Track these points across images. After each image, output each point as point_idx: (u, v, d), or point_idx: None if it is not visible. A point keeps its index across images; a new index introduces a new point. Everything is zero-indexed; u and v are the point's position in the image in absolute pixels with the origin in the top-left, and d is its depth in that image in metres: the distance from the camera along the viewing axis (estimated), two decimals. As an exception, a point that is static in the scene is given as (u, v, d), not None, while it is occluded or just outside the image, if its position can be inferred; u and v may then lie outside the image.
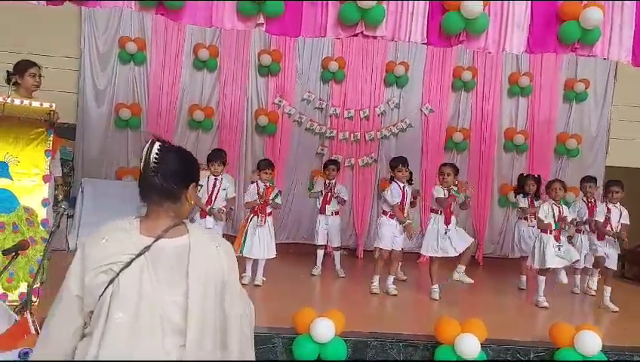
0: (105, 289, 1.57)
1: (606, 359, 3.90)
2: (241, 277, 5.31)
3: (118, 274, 1.57)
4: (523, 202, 6.31)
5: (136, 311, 1.56)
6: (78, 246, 1.70)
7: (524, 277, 6.24)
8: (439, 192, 5.46)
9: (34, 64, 4.55)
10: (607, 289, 5.51)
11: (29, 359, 1.71)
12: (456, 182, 5.53)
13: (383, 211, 5.67)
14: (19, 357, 2.46)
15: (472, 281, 5.43)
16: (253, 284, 5.38)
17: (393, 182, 5.66)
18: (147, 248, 1.62)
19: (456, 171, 5.61)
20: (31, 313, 2.81)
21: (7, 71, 4.43)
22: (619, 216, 5.58)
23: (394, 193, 5.53)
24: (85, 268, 1.61)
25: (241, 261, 5.50)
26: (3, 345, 2.52)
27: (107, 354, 1.54)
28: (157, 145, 1.71)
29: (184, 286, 1.62)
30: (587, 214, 5.89)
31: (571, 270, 5.97)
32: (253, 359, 1.81)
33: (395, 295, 5.41)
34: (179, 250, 1.66)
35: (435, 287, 5.45)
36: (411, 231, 5.57)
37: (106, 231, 1.67)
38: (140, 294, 1.57)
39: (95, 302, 1.59)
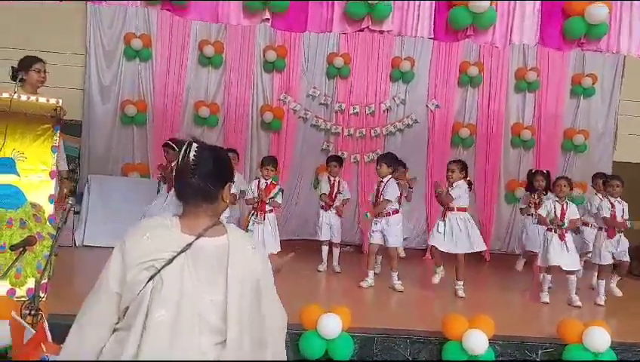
0: (145, 285, 1.57)
1: (615, 355, 3.87)
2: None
3: (159, 271, 1.57)
4: (524, 200, 6.28)
5: (177, 309, 1.55)
6: (117, 243, 1.68)
7: (523, 259, 6.29)
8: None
9: (39, 60, 4.54)
10: (602, 284, 5.47)
11: (61, 356, 1.67)
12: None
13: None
14: None
15: (464, 297, 5.31)
16: None
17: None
18: (189, 246, 1.62)
19: (463, 167, 5.55)
20: (39, 309, 2.81)
21: (12, 67, 4.42)
22: (622, 210, 5.53)
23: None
24: (126, 264, 1.60)
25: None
26: (22, 356, 2.50)
27: (148, 352, 1.52)
28: (194, 146, 1.71)
29: (223, 285, 1.62)
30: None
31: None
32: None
33: (402, 291, 5.40)
34: (219, 249, 1.67)
35: (440, 269, 5.43)
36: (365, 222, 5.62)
37: (148, 228, 1.68)
38: (181, 292, 1.57)
39: (133, 299, 1.58)
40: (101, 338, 1.61)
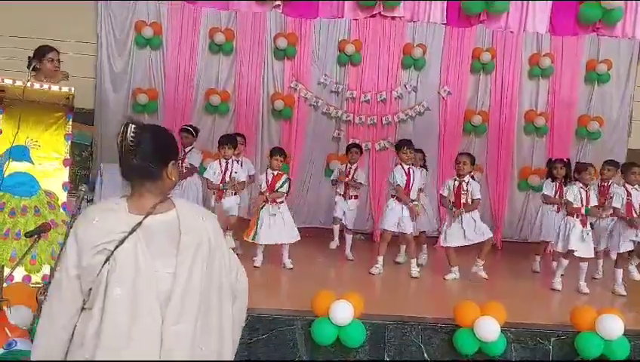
0: (102, 267, 1.63)
1: (628, 343, 3.85)
2: (252, 261, 5.42)
3: (113, 252, 1.63)
4: (549, 188, 6.20)
5: (133, 286, 1.63)
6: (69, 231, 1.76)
7: (538, 258, 6.19)
8: (444, 190, 5.56)
9: (52, 49, 4.55)
10: (620, 272, 5.40)
11: (35, 343, 1.74)
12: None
13: (391, 194, 5.76)
14: (5, 349, 2.45)
15: (487, 278, 5.42)
16: (284, 268, 5.44)
17: (398, 165, 5.70)
18: (138, 225, 1.68)
19: (473, 161, 5.61)
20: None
21: (29, 56, 4.44)
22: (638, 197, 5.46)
23: (396, 175, 5.60)
24: (80, 249, 1.67)
25: (253, 246, 5.53)
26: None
27: (108, 328, 1.60)
28: (132, 127, 1.73)
29: (176, 257, 1.69)
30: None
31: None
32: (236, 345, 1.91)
33: (417, 277, 5.41)
34: (169, 224, 1.73)
35: (455, 268, 5.47)
36: (414, 213, 5.58)
37: (95, 213, 1.73)
38: (136, 270, 1.64)
39: (93, 280, 1.64)
40: (70, 316, 1.68)
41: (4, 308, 2.77)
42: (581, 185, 5.39)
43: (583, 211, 5.27)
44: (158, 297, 1.65)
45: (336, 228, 6.35)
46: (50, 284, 1.74)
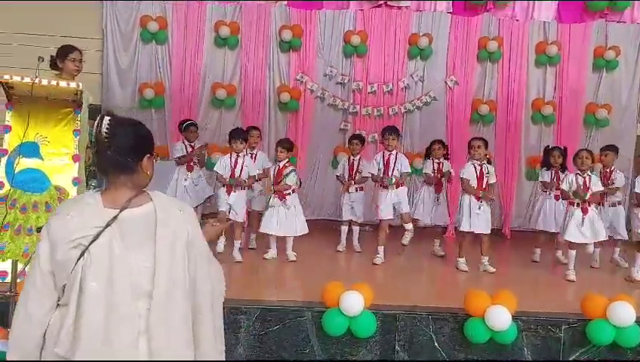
0: (77, 262, 1.61)
1: (640, 330, 3.84)
2: (265, 253, 5.45)
3: (87, 247, 1.61)
4: (545, 176, 6.19)
5: (108, 279, 1.61)
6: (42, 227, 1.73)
7: (538, 250, 6.18)
8: (464, 173, 5.48)
9: (75, 49, 4.53)
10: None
11: (10, 341, 1.72)
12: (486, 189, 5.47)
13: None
14: None
15: (495, 270, 5.40)
16: (287, 261, 5.45)
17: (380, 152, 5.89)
18: (114, 219, 1.66)
19: (486, 144, 5.60)
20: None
21: (52, 55, 4.45)
22: None
23: (373, 163, 5.80)
24: (54, 245, 1.64)
25: (266, 237, 5.56)
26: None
27: (84, 322, 1.58)
28: (106, 119, 1.71)
29: (153, 250, 1.67)
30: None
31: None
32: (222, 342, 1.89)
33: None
34: (145, 217, 1.70)
35: (462, 259, 5.48)
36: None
37: (69, 207, 1.71)
38: (111, 263, 1.62)
39: (68, 276, 1.62)
40: (45, 312, 1.66)
41: None
42: (577, 171, 5.35)
43: (581, 195, 5.20)
44: (134, 291, 1.63)
45: (344, 229, 6.25)
46: (25, 281, 1.71)
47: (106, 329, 1.58)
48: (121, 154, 1.71)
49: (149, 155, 1.78)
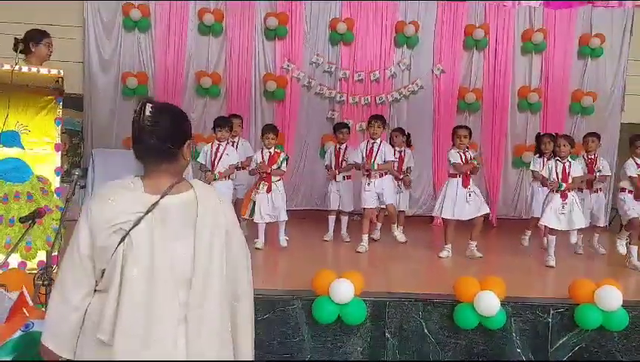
0: (116, 247, 1.60)
1: (627, 314, 3.87)
2: (254, 242, 5.41)
3: (128, 233, 1.60)
4: (537, 164, 6.20)
5: (150, 266, 1.60)
6: (82, 208, 1.69)
7: (528, 232, 6.24)
8: (454, 157, 5.41)
9: (48, 34, 4.43)
10: (634, 249, 5.39)
11: (46, 324, 1.71)
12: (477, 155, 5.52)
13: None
14: (23, 330, 2.43)
15: (482, 256, 5.42)
16: (280, 246, 5.48)
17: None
18: (154, 205, 1.64)
19: (470, 133, 5.58)
20: (52, 279, 2.81)
21: (16, 38, 4.30)
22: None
23: (358, 151, 5.82)
24: (94, 229, 1.62)
25: (255, 225, 5.52)
26: (9, 329, 2.48)
27: (125, 309, 1.57)
28: (149, 106, 1.69)
29: (192, 238, 1.66)
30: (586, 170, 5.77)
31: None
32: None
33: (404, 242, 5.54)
34: (186, 204, 1.70)
35: (448, 246, 5.48)
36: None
37: (111, 192, 1.68)
38: (152, 250, 1.61)
39: (107, 261, 1.61)
40: (82, 297, 1.65)
41: (24, 288, 2.73)
42: (558, 158, 5.36)
43: (557, 185, 5.22)
44: (174, 278, 1.63)
45: (332, 218, 6.22)
46: (62, 265, 1.69)
47: (147, 316, 1.58)
48: (165, 141, 1.69)
49: (189, 142, 1.78)
